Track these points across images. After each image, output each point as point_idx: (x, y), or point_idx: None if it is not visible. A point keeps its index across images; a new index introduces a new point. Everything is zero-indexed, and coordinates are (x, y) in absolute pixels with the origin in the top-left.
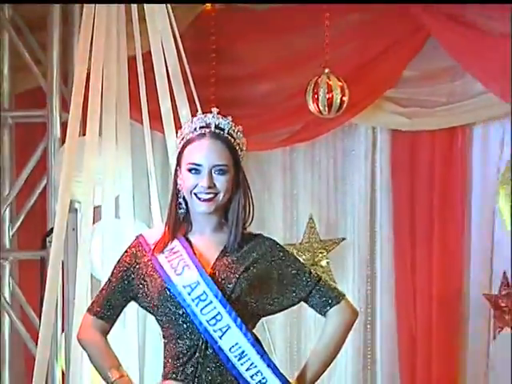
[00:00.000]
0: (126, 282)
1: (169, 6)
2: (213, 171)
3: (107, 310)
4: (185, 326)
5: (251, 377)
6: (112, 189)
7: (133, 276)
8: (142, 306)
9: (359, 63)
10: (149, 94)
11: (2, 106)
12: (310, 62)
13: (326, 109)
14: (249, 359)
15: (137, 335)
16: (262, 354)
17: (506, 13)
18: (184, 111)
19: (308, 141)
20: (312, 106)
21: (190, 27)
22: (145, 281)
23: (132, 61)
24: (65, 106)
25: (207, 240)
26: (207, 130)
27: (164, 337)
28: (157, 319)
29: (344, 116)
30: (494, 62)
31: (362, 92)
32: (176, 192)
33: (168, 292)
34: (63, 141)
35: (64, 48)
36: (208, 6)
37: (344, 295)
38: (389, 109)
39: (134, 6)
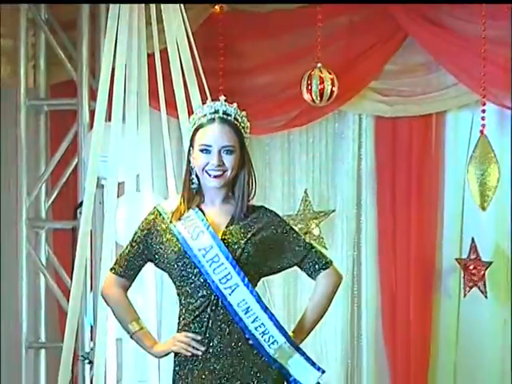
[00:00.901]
0: (144, 246)
1: (182, 8)
2: (221, 151)
3: (127, 269)
4: (199, 283)
5: (255, 328)
6: (133, 167)
7: (150, 241)
8: (158, 267)
9: (347, 58)
10: (165, 84)
11: (38, 95)
12: (305, 57)
13: (319, 98)
14: (254, 313)
15: (155, 292)
16: (265, 309)
17: (477, 16)
18: (196, 99)
19: (303, 126)
20: (306, 96)
21: (201, 27)
22: (163, 244)
23: (151, 56)
24: (93, 96)
25: (217, 210)
26: (216, 116)
27: (179, 294)
28: (172, 278)
29: (334, 104)
30: (465, 58)
31: (350, 83)
32: (189, 169)
33: (185, 254)
34: (91, 126)
35: (92, 45)
36: (217, 8)
37: (332, 262)
38: (373, 98)
39: (153, 9)
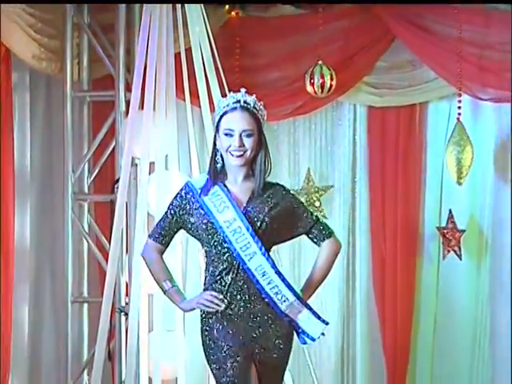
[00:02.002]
0: (177, 216)
1: (204, 14)
2: (242, 134)
3: (162, 236)
4: (223, 250)
5: (270, 289)
6: (162, 149)
7: (182, 212)
8: (189, 234)
9: (344, 57)
10: (189, 79)
11: (82, 88)
12: (308, 55)
13: (320, 90)
14: (269, 276)
15: (181, 256)
16: (279, 273)
17: (455, 20)
18: (215, 92)
19: (306, 114)
20: (309, 88)
21: (220, 30)
22: (193, 216)
23: (177, 55)
24: (128, 88)
25: (239, 187)
26: (238, 105)
27: (206, 257)
28: (201, 244)
29: (332, 96)
30: (444, 56)
31: (346, 78)
32: (215, 151)
33: (211, 225)
34: (127, 113)
35: (127, 45)
36: (233, 14)
37: (333, 232)
38: (366, 90)
39: (179, 14)
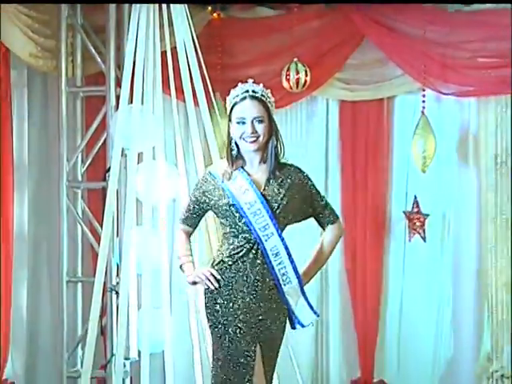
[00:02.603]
0: (200, 201)
1: (189, 15)
2: (253, 121)
3: (188, 219)
4: (244, 229)
5: (279, 269)
6: (150, 140)
7: (205, 197)
8: (215, 214)
9: (317, 54)
10: (175, 76)
11: (76, 84)
12: (284, 54)
13: (295, 86)
14: (280, 257)
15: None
16: (290, 255)
17: (420, 21)
18: (199, 88)
19: (283, 107)
20: (285, 84)
21: (203, 30)
22: (216, 198)
23: (163, 53)
24: (118, 84)
25: (256, 170)
26: (247, 94)
27: (225, 234)
28: (222, 223)
29: (307, 91)
30: (409, 54)
31: (320, 74)
32: (229, 139)
33: (233, 207)
34: (117, 108)
35: (118, 44)
36: (216, 16)
37: (338, 218)
38: (338, 86)
39: (165, 15)
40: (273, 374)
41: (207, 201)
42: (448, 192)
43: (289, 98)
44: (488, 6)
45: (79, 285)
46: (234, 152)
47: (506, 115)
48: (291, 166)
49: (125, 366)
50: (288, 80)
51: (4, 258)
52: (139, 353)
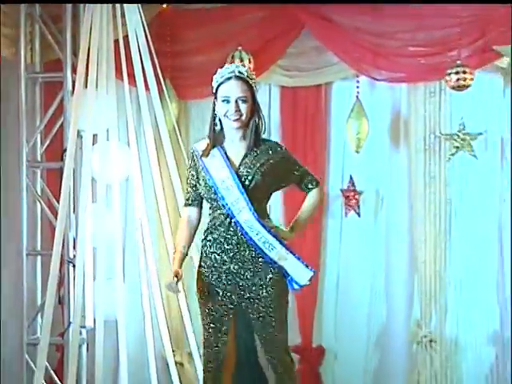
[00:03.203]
0: (193, 179)
1: (140, 6)
2: (237, 100)
3: (190, 199)
4: (219, 204)
5: (258, 239)
6: (104, 122)
7: (193, 173)
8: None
9: (260, 43)
10: (127, 62)
11: (35, 70)
12: (229, 42)
13: None
14: (256, 228)
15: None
16: (263, 225)
17: (353, 13)
18: (150, 74)
19: None
20: None
21: (154, 20)
22: (199, 175)
23: (116, 41)
24: (74, 71)
25: (235, 147)
26: (233, 75)
27: (209, 209)
28: (205, 197)
29: None
30: (344, 44)
31: (262, 61)
32: (213, 116)
33: (209, 183)
34: (73, 92)
35: (74, 33)
36: (165, 7)
37: (319, 183)
38: (279, 72)
39: (118, 6)
40: (279, 343)
41: (195, 177)
42: (381, 171)
43: None
44: None
45: (38, 258)
46: (218, 128)
47: (434, 100)
48: (269, 141)
49: (81, 333)
50: None
51: None
52: (94, 321)
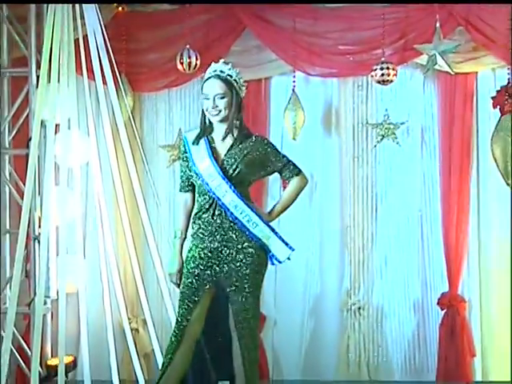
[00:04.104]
0: (184, 167)
1: (97, 8)
2: (215, 98)
3: (183, 185)
4: (205, 189)
5: (243, 218)
6: (65, 112)
7: (184, 163)
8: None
9: (206, 42)
10: (86, 59)
11: (4, 65)
12: (179, 41)
13: (188, 68)
14: (240, 208)
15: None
16: (247, 204)
17: (291, 14)
18: (107, 69)
19: (178, 86)
20: (179, 67)
21: (111, 21)
22: (188, 163)
23: (76, 40)
24: (38, 67)
25: (222, 139)
26: (214, 74)
27: (197, 193)
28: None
29: (197, 72)
30: (283, 43)
31: (208, 58)
32: (203, 111)
33: (194, 172)
34: (37, 86)
35: (38, 32)
36: (120, 10)
37: (301, 171)
38: None
39: (77, 9)
40: (250, 320)
41: (185, 163)
42: (315, 157)
43: (183, 78)
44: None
45: (7, 235)
46: (207, 122)
47: (361, 93)
48: (253, 135)
49: (46, 303)
50: (182, 63)
51: None
52: (57, 292)
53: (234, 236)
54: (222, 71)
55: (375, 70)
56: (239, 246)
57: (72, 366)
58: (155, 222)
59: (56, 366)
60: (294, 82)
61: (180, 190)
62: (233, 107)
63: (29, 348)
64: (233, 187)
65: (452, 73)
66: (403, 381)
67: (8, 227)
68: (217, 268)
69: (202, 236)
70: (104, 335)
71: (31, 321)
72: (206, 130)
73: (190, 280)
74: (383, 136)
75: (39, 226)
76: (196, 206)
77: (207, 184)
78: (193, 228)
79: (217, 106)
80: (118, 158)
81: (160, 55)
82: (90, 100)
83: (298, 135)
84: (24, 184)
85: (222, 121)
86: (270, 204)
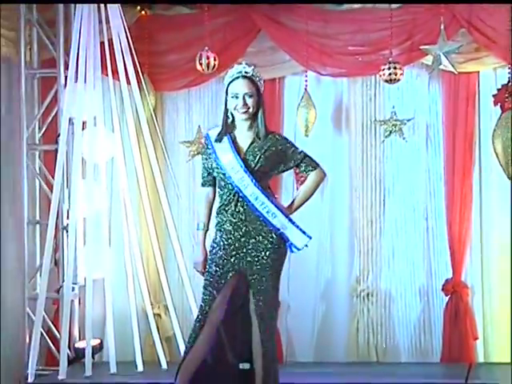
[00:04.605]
0: (207, 163)
1: (122, 12)
2: (245, 96)
3: (205, 180)
4: (227, 184)
5: (263, 209)
6: (92, 110)
7: (206, 158)
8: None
9: (224, 44)
10: (111, 60)
11: (33, 67)
12: (198, 43)
13: (206, 68)
14: (260, 200)
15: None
16: (268, 196)
17: (303, 17)
18: (131, 70)
19: (197, 86)
20: (199, 67)
21: (134, 24)
22: (211, 159)
23: (102, 43)
24: (66, 67)
25: (243, 135)
26: (240, 74)
27: (218, 188)
28: (216, 179)
29: (215, 72)
30: (295, 44)
31: (225, 59)
32: (226, 110)
33: (218, 165)
34: (65, 86)
35: (66, 36)
36: (143, 13)
37: (318, 165)
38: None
39: (103, 13)
40: (269, 305)
41: (208, 160)
42: (326, 152)
43: (201, 78)
44: (356, 5)
45: (37, 226)
46: (230, 120)
47: (370, 91)
48: (272, 132)
49: (73, 289)
50: (201, 64)
51: None
52: (85, 279)
53: (255, 227)
54: (246, 72)
55: (383, 69)
56: (260, 236)
57: (98, 348)
58: (176, 214)
59: (83, 349)
60: (306, 81)
61: (202, 185)
62: (259, 105)
63: (58, 331)
64: (254, 180)
65: (455, 72)
66: (410, 362)
67: (38, 218)
68: (239, 257)
69: (226, 227)
70: (128, 320)
71: (60, 306)
72: (228, 127)
73: (214, 269)
74: (390, 132)
75: (67, 218)
76: (218, 200)
77: (230, 177)
78: (217, 220)
79: (246, 104)
80: (141, 154)
81: (180, 56)
82: (115, 99)
83: (309, 132)
84: (53, 178)
85: (248, 118)
86: (284, 196)
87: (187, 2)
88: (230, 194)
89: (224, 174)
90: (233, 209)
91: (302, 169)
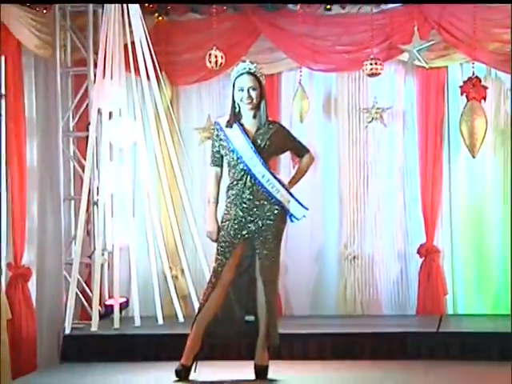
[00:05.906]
0: (216, 146)
1: (142, 18)
2: (249, 89)
3: (214, 161)
4: (237, 163)
5: (268, 185)
6: (117, 103)
7: (217, 140)
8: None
9: (229, 44)
10: (133, 59)
11: (67, 65)
12: (208, 44)
13: (215, 65)
14: (267, 177)
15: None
16: (273, 174)
17: (297, 20)
18: (150, 67)
19: (207, 80)
20: (208, 64)
21: (153, 28)
22: (222, 142)
23: (125, 45)
24: (95, 66)
25: (250, 123)
26: (245, 71)
27: (228, 167)
28: (226, 159)
29: (223, 69)
30: (291, 44)
31: (231, 58)
32: (233, 101)
33: (230, 148)
34: (95, 81)
35: (95, 39)
36: (160, 19)
37: (309, 150)
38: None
39: (126, 18)
40: (274, 267)
41: (219, 143)
42: (318, 136)
43: (210, 74)
44: (343, 11)
45: (72, 201)
46: (237, 110)
47: (355, 84)
48: (273, 121)
49: (103, 255)
50: (210, 62)
51: (19, 185)
52: (112, 246)
53: (262, 200)
54: (250, 68)
55: (366, 65)
56: (266, 208)
57: (125, 305)
58: (190, 190)
59: (112, 306)
60: (300, 76)
61: (211, 164)
62: (261, 97)
63: (90, 291)
64: (262, 160)
65: (427, 67)
66: (390, 314)
67: (73, 195)
68: (248, 226)
69: (236, 201)
70: (150, 280)
71: (92, 269)
72: (235, 116)
73: (226, 237)
74: (372, 119)
75: (97, 194)
76: (228, 178)
77: (241, 157)
78: (227, 196)
79: (250, 96)
80: (159, 139)
81: (192, 55)
82: (137, 92)
83: (304, 119)
84: (85, 160)
85: (252, 108)
86: (281, 173)
87: (196, 2)
88: (240, 172)
89: (235, 155)
90: (242, 185)
91: (297, 153)
